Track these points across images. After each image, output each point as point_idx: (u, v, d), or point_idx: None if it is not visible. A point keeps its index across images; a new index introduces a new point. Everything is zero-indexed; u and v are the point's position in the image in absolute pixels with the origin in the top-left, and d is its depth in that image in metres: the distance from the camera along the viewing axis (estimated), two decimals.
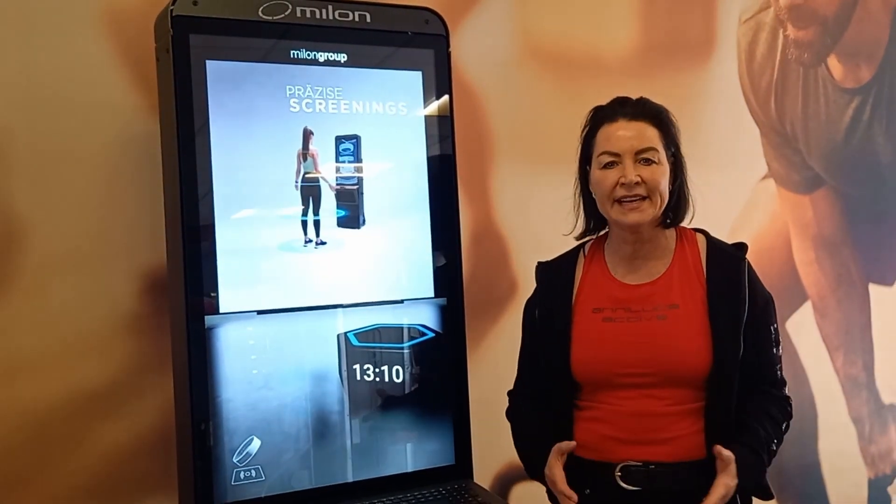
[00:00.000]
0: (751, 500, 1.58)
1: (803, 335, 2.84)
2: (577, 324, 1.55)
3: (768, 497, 1.57)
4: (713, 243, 1.58)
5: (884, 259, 3.02)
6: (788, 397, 1.57)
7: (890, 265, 3.04)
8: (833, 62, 2.86)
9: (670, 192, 1.54)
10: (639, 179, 1.48)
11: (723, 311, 1.50)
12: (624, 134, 1.50)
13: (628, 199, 1.49)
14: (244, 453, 1.73)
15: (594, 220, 1.61)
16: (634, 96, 1.58)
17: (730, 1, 2.71)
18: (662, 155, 1.52)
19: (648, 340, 1.50)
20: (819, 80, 2.84)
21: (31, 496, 1.86)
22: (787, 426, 1.56)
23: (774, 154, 2.80)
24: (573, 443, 1.52)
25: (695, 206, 1.59)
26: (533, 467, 1.59)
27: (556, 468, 1.51)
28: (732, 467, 1.45)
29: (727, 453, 1.45)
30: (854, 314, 2.94)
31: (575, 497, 1.48)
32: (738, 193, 2.74)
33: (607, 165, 1.51)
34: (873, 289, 2.99)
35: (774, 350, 1.56)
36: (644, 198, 1.49)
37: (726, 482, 1.45)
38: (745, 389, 1.52)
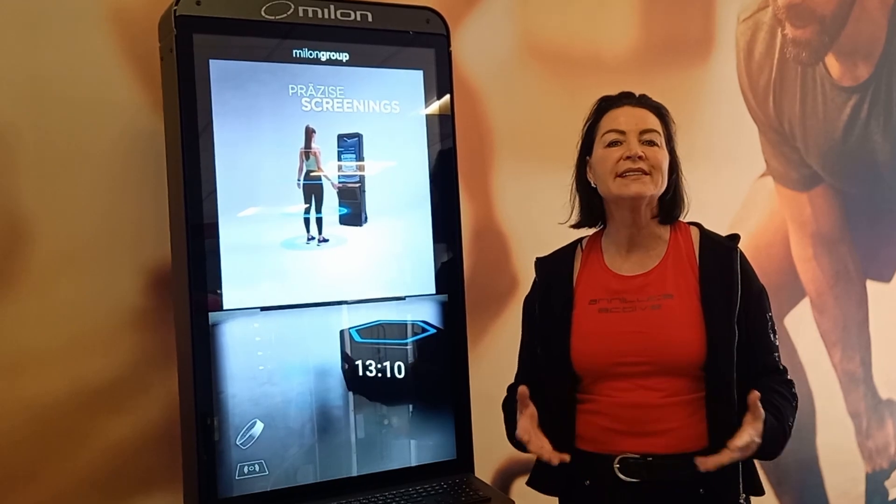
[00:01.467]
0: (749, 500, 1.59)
1: (801, 331, 2.86)
2: (574, 316, 1.58)
3: (760, 493, 1.59)
4: (706, 235, 1.61)
5: (881, 255, 3.04)
6: (791, 381, 1.58)
7: (887, 262, 3.06)
8: (831, 61, 2.88)
9: (667, 187, 1.57)
10: (642, 154, 1.52)
11: (716, 300, 1.52)
12: (629, 117, 1.56)
13: (631, 171, 1.52)
14: (247, 436, 1.75)
15: (589, 212, 1.63)
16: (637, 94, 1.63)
17: (728, 0, 2.73)
18: (663, 142, 1.56)
19: (643, 330, 1.52)
20: (817, 79, 2.86)
21: (37, 490, 1.88)
22: (796, 407, 1.57)
23: (773, 152, 2.82)
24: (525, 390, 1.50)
25: (689, 204, 1.62)
26: (510, 438, 1.59)
27: (522, 421, 1.50)
28: (760, 425, 1.44)
29: (762, 410, 1.43)
30: (852, 310, 2.96)
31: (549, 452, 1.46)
32: (736, 191, 2.76)
33: (612, 144, 1.55)
34: (871, 285, 3.01)
35: (772, 338, 1.58)
36: (645, 173, 1.52)
37: (752, 434, 1.42)
38: (748, 378, 1.53)
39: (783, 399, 1.54)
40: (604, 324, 1.55)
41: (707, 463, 1.42)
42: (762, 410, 1.44)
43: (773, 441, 1.48)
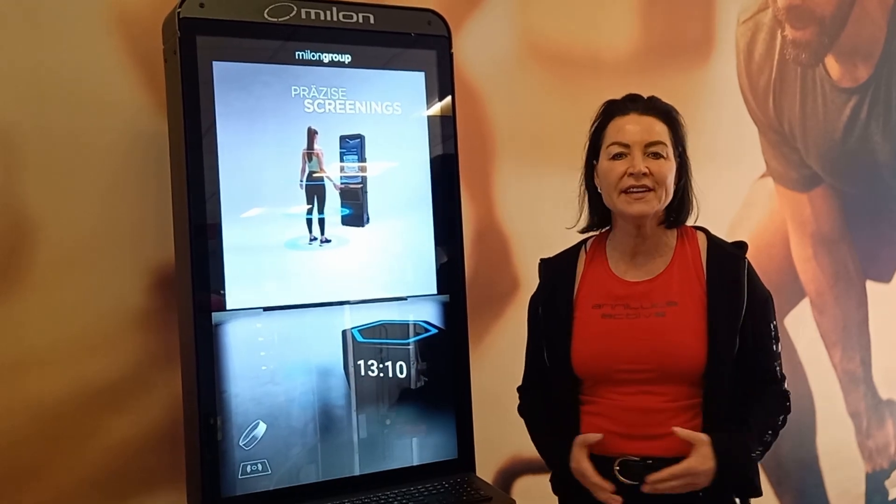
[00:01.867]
0: (748, 501, 1.60)
1: (802, 331, 2.87)
2: (577, 319, 1.58)
3: (756, 494, 1.58)
4: (713, 241, 1.60)
5: (881, 256, 3.05)
6: (787, 392, 1.59)
7: (887, 262, 3.07)
8: (830, 62, 2.89)
9: (674, 192, 1.56)
10: (646, 171, 1.50)
11: (721, 309, 1.52)
12: (634, 127, 1.53)
13: (635, 189, 1.51)
14: (250, 437, 1.77)
15: (598, 215, 1.63)
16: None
17: (728, 2, 2.74)
18: (670, 151, 1.54)
19: (647, 337, 1.52)
20: (817, 80, 2.87)
21: (40, 489, 1.89)
22: (785, 419, 1.58)
23: (773, 152, 2.83)
24: (598, 435, 1.53)
25: (699, 208, 1.62)
26: (554, 462, 1.61)
27: (583, 462, 1.53)
28: (704, 450, 1.46)
29: (695, 435, 1.47)
30: (851, 310, 2.97)
31: (611, 487, 1.50)
32: (737, 191, 2.77)
33: (616, 156, 1.53)
34: (871, 285, 3.02)
35: (774, 347, 1.58)
36: (650, 189, 1.51)
37: (690, 464, 1.45)
38: (745, 386, 1.54)
39: (763, 411, 1.54)
40: (607, 330, 1.55)
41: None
42: (692, 433, 1.47)
43: (732, 460, 1.48)
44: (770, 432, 1.55)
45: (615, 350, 1.54)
